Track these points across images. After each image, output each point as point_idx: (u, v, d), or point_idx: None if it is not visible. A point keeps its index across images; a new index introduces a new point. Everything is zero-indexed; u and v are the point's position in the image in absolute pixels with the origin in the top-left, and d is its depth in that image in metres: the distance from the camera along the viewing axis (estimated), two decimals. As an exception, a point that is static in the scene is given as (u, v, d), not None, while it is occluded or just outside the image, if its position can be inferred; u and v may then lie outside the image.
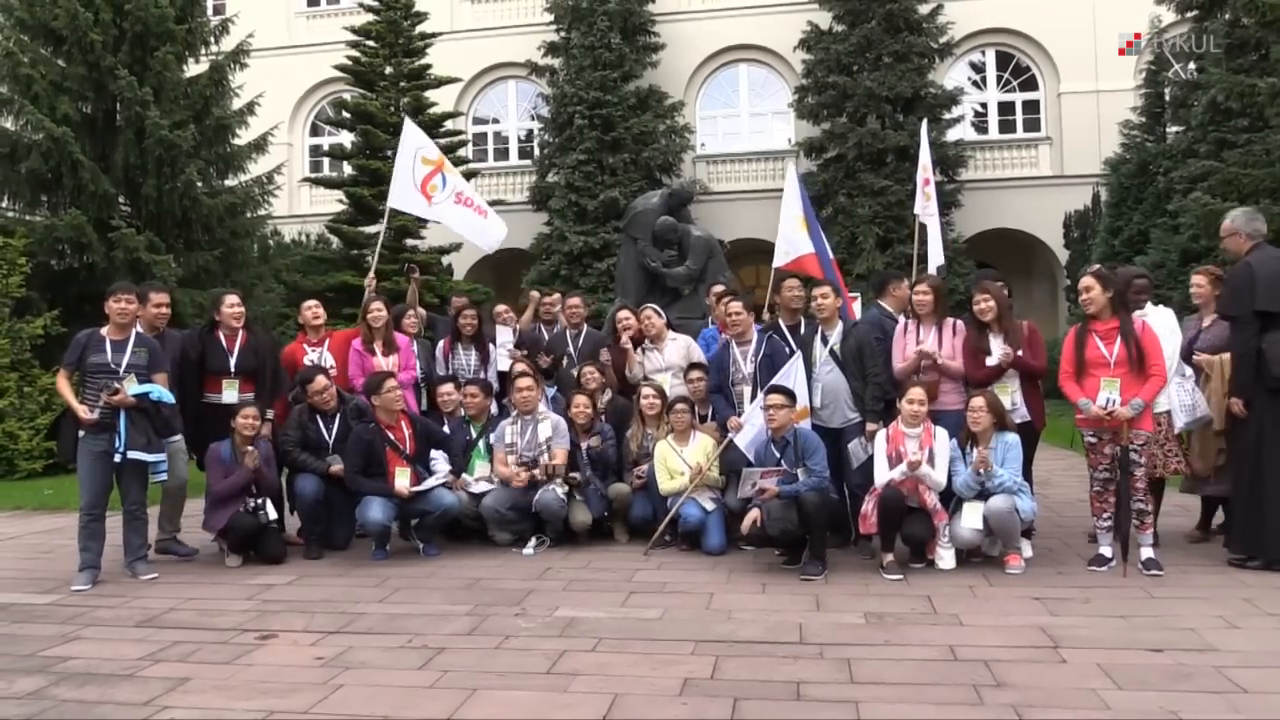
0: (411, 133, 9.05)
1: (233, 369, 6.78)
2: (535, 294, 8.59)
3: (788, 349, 6.64)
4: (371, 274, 8.65)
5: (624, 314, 7.89)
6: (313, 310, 7.46)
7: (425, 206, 8.96)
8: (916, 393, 5.99)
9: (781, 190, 8.85)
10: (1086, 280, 5.91)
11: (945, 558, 5.92)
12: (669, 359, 7.43)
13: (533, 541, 6.68)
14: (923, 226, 10.50)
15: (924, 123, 10.64)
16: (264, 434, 6.64)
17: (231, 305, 6.89)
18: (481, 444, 7.11)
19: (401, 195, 8.89)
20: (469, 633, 4.77)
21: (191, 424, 6.73)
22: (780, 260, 8.30)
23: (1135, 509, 5.71)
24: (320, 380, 6.75)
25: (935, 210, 10.19)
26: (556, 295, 8.69)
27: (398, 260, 15.75)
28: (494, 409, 7.43)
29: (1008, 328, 6.19)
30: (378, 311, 7.37)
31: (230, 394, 6.74)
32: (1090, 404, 5.69)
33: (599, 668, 4.21)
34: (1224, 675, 3.93)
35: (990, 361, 6.12)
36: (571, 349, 7.86)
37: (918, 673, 4.06)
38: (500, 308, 8.30)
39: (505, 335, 7.97)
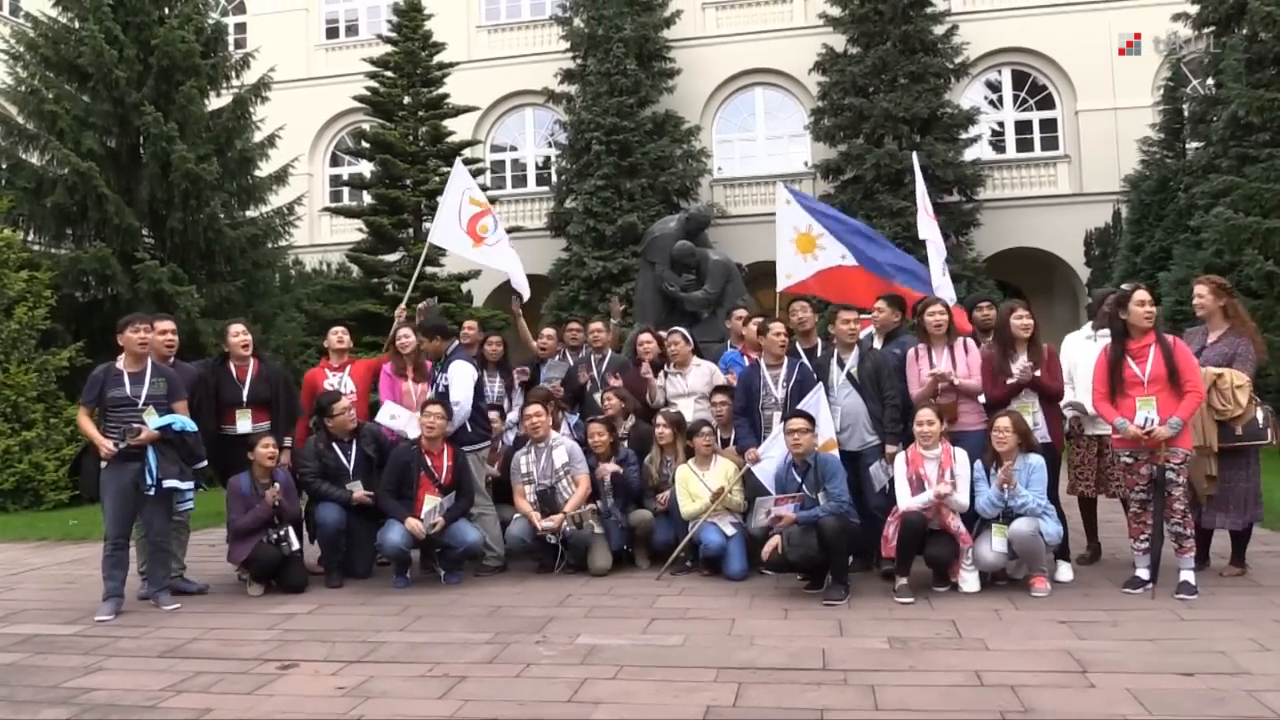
0: (460, 173, 9.16)
1: (245, 399, 6.76)
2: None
3: (815, 376, 6.59)
4: (403, 304, 8.72)
5: (645, 336, 7.88)
6: (338, 335, 7.55)
7: (470, 247, 9.01)
8: (925, 414, 5.97)
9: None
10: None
11: (969, 580, 5.86)
12: (692, 384, 7.38)
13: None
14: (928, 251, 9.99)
15: (915, 154, 10.45)
16: (284, 462, 6.67)
17: (237, 334, 6.87)
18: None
19: (444, 233, 8.96)
20: (490, 661, 4.76)
21: (211, 456, 6.74)
22: (782, 284, 8.26)
23: (1174, 531, 5.60)
24: (343, 401, 6.79)
25: (938, 240, 9.27)
26: (575, 324, 8.61)
27: (418, 287, 15.84)
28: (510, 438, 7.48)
29: (1037, 349, 6.16)
30: (405, 339, 7.45)
31: (244, 424, 6.74)
32: (1127, 424, 5.56)
33: (621, 695, 4.18)
34: (1257, 699, 3.86)
35: (1012, 377, 6.08)
36: (595, 374, 7.84)
37: (943, 699, 4.01)
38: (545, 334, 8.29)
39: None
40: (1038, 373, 6.06)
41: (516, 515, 6.87)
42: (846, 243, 8.26)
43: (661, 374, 7.57)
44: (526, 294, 9.24)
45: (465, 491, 6.70)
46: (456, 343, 7.21)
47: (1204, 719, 3.69)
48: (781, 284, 8.25)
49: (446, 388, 6.89)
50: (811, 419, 6.12)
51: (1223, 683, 4.08)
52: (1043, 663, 4.44)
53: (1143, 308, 5.67)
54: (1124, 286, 5.95)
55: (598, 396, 7.62)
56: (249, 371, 6.83)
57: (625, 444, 7.13)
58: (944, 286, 8.78)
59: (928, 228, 8.97)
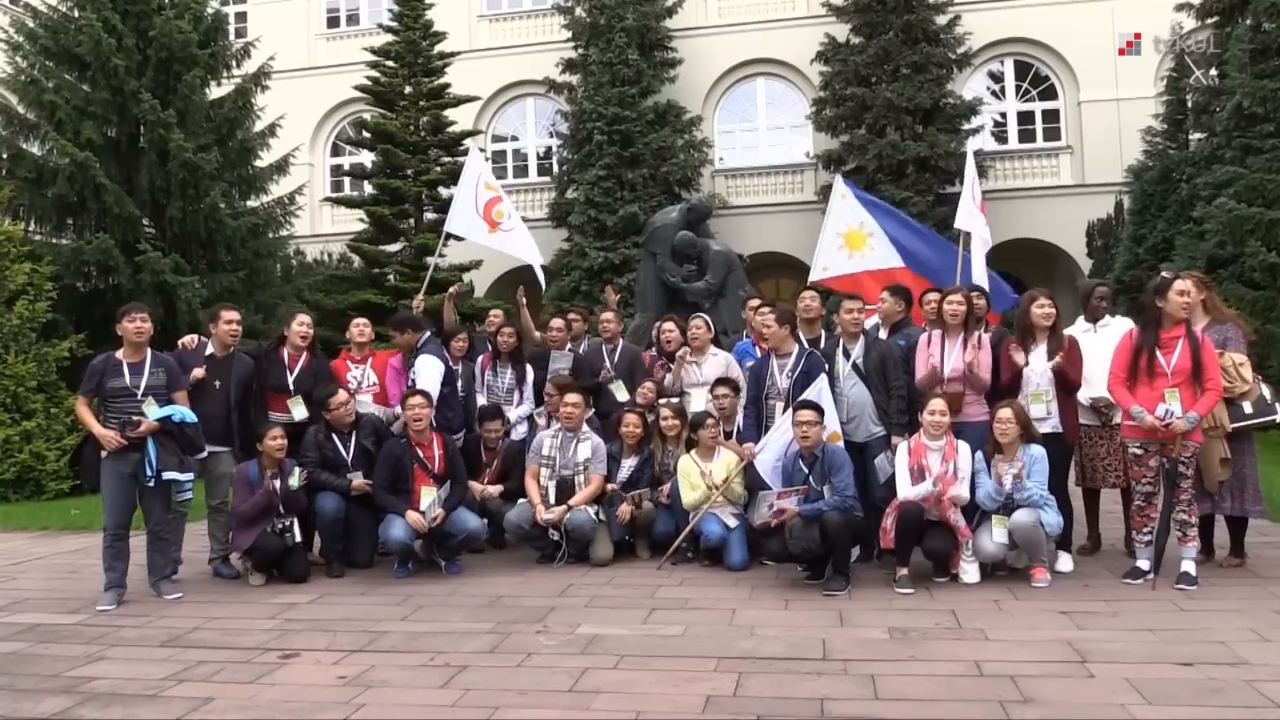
0: (475, 159, 9.13)
1: (290, 386, 6.81)
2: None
3: (823, 366, 6.56)
4: (420, 296, 8.69)
5: (669, 325, 7.81)
6: (359, 328, 7.52)
7: (486, 233, 8.99)
8: (937, 404, 5.94)
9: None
10: (1186, 284, 5.81)
11: (969, 571, 5.86)
12: (707, 373, 7.30)
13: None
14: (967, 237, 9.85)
15: (969, 143, 10.24)
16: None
17: (301, 324, 6.97)
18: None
19: (461, 221, 8.92)
20: (491, 651, 4.77)
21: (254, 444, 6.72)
22: (815, 276, 8.15)
23: (1178, 520, 5.60)
24: (341, 394, 6.79)
25: (984, 232, 9.17)
26: (560, 320, 8.43)
27: (418, 278, 15.82)
28: (525, 429, 7.48)
29: (1058, 338, 6.14)
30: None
31: (299, 411, 6.78)
32: (1144, 413, 5.50)
33: (621, 685, 4.19)
34: (1255, 689, 3.86)
35: (1036, 365, 6.07)
36: (608, 364, 7.80)
37: (943, 689, 4.02)
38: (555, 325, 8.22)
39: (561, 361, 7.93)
40: (1053, 362, 6.05)
41: (521, 500, 6.87)
42: (897, 243, 8.14)
43: (677, 362, 7.52)
44: (542, 280, 9.23)
45: (460, 479, 6.71)
46: (427, 334, 7.23)
47: (1203, 709, 3.70)
48: (815, 275, 8.14)
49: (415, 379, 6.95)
50: (821, 410, 6.10)
51: (1222, 673, 4.08)
52: (1042, 653, 4.44)
53: (1182, 298, 5.59)
54: (1164, 274, 5.87)
55: (611, 387, 7.59)
56: (300, 361, 6.90)
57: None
58: (981, 276, 8.65)
59: (969, 219, 8.74)
